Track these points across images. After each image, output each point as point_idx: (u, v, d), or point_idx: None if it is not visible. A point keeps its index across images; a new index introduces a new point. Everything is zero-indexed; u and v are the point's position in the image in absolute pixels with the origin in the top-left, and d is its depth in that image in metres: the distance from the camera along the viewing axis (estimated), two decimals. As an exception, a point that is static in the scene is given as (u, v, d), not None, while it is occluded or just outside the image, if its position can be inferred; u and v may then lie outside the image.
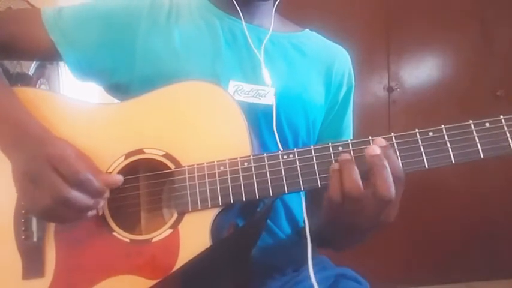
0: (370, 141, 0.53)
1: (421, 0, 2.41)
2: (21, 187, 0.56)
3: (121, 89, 0.76)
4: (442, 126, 0.53)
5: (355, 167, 0.51)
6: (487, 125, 0.52)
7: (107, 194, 0.58)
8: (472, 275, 2.37)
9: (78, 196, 0.54)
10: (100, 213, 0.60)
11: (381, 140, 0.52)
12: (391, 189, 0.49)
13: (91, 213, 0.57)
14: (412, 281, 2.35)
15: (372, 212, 0.52)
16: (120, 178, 0.59)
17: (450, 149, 0.52)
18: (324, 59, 0.82)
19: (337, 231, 0.61)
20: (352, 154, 0.53)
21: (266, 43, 0.76)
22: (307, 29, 0.86)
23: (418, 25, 2.41)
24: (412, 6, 2.40)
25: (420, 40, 2.43)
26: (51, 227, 0.61)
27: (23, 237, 0.60)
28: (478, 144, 0.52)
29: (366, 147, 0.52)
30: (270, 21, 0.79)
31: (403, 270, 2.36)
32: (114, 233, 0.59)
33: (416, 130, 0.53)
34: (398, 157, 0.53)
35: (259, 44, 0.76)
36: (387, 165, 0.50)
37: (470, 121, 0.52)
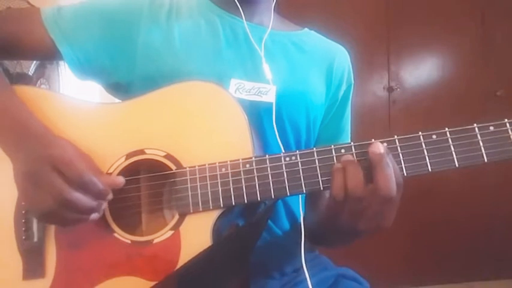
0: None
1: (421, 0, 2.41)
2: (22, 188, 0.56)
3: (121, 88, 0.75)
4: (446, 129, 0.52)
5: (360, 167, 0.52)
6: (491, 128, 0.51)
7: (110, 196, 0.57)
8: (472, 275, 2.37)
9: (81, 198, 0.53)
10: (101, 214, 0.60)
11: (379, 146, 0.52)
12: (392, 187, 0.50)
13: (94, 216, 0.57)
14: (412, 281, 2.35)
15: (372, 212, 0.53)
16: (121, 180, 0.58)
17: (454, 153, 0.52)
18: (324, 57, 0.82)
19: (335, 230, 0.61)
20: (354, 156, 0.54)
21: (267, 41, 0.76)
22: (306, 28, 0.86)
23: (418, 25, 2.40)
24: (412, 6, 2.39)
25: (420, 40, 2.42)
26: (52, 227, 0.60)
27: (24, 237, 0.60)
28: (482, 148, 0.51)
29: (369, 145, 0.52)
30: (270, 19, 0.79)
31: (403, 270, 2.35)
32: (115, 234, 0.59)
33: (420, 133, 0.52)
34: (402, 160, 0.53)
35: (259, 42, 0.75)
36: (390, 164, 0.51)
37: (475, 124, 0.51)
